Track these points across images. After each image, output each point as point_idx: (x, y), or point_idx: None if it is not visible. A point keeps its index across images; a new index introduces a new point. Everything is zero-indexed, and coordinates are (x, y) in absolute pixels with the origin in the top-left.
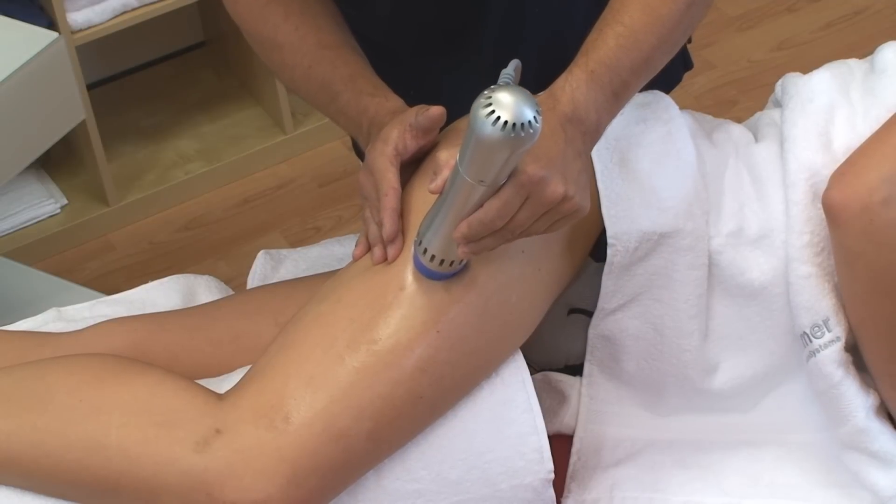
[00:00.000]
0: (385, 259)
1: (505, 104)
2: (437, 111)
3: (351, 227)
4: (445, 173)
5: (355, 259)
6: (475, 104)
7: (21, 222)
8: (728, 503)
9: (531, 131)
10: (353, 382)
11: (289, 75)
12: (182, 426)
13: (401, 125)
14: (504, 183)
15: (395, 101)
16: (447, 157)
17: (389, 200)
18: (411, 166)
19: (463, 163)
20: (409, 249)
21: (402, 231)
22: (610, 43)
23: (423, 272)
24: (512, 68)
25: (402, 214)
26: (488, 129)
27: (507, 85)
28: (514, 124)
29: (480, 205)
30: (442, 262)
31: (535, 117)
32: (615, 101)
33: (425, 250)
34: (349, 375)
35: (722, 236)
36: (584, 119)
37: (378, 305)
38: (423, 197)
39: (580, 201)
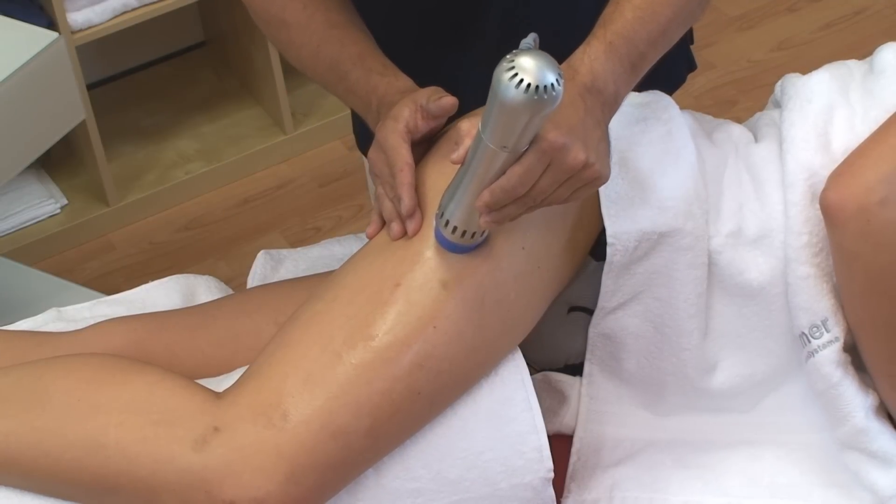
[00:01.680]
0: (404, 234)
1: (527, 67)
2: (449, 101)
3: (351, 227)
4: (467, 142)
5: (369, 237)
6: (497, 69)
7: (21, 222)
8: (728, 503)
9: (553, 94)
10: (350, 379)
11: (296, 54)
12: (180, 424)
13: (413, 104)
14: (526, 150)
15: (405, 81)
16: (469, 126)
17: (405, 175)
18: (419, 147)
19: (486, 129)
20: (405, 242)
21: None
22: (627, 15)
23: (445, 245)
24: (531, 39)
25: (426, 183)
26: (511, 92)
27: (528, 49)
28: (536, 87)
29: (502, 173)
30: (464, 233)
31: (557, 80)
32: (633, 72)
33: (447, 222)
34: (347, 372)
35: (721, 236)
36: (603, 90)
37: (374, 302)
38: (436, 175)
39: (601, 168)
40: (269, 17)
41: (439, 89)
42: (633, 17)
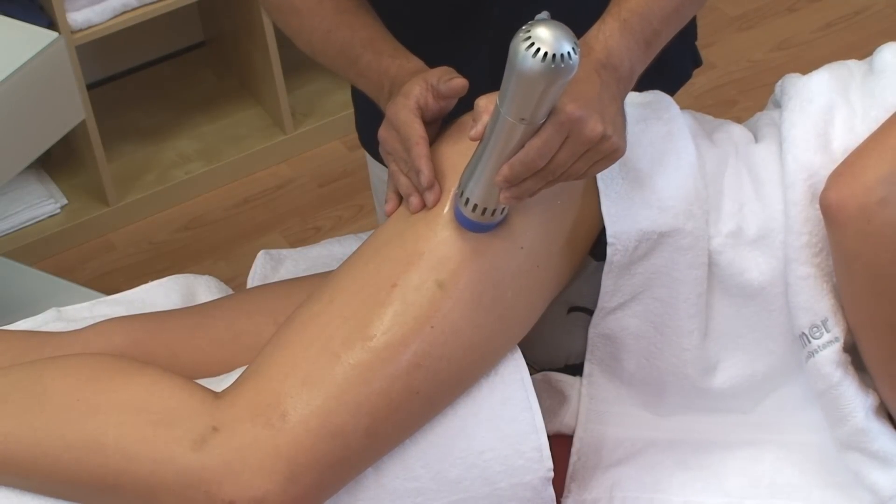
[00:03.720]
0: (423, 206)
1: (544, 37)
2: (460, 83)
3: (351, 227)
4: (485, 118)
5: (388, 215)
6: (514, 40)
7: (21, 222)
8: (728, 503)
9: (570, 62)
10: (348, 379)
11: (307, 40)
12: (179, 424)
13: (423, 82)
14: (543, 122)
15: (416, 62)
16: (486, 102)
17: (421, 148)
18: (429, 128)
19: (503, 102)
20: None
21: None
22: None
23: (466, 225)
24: (545, 14)
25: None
26: (529, 61)
27: (544, 20)
28: (553, 55)
29: (521, 147)
30: (484, 211)
31: (573, 48)
32: (647, 49)
33: (467, 200)
34: (345, 372)
35: (722, 236)
36: (619, 66)
37: (371, 303)
38: (454, 155)
39: (618, 141)
40: (279, 3)
41: (451, 70)
42: None
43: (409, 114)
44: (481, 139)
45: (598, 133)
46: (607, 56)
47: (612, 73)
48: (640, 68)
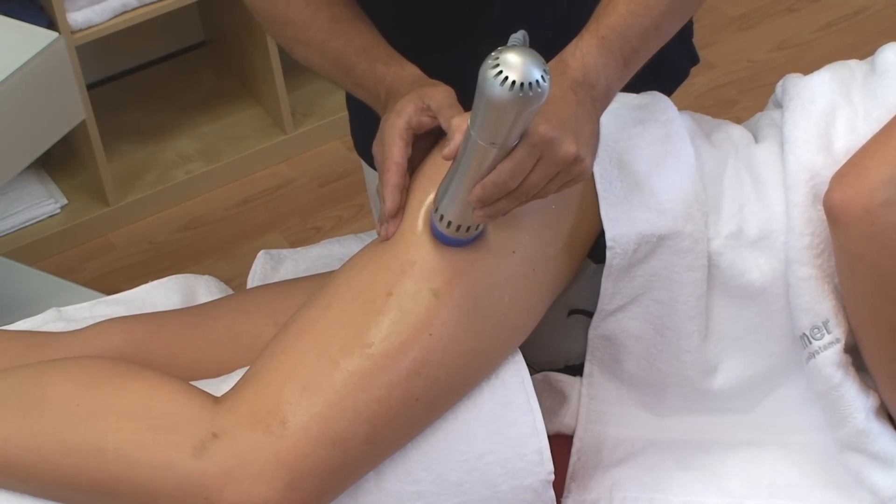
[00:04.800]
0: (388, 236)
1: (513, 64)
2: (456, 121)
3: (351, 227)
4: (458, 138)
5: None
6: (483, 66)
7: (21, 222)
8: (728, 503)
9: (539, 90)
10: (348, 386)
11: (303, 52)
12: (179, 430)
13: (418, 101)
14: (516, 144)
15: (412, 70)
16: (459, 122)
17: (391, 175)
18: (426, 139)
19: (474, 126)
20: (394, 250)
21: (402, 207)
22: (620, 9)
23: (443, 240)
24: (521, 35)
25: (412, 187)
26: (497, 89)
27: (514, 46)
28: (521, 83)
29: (494, 167)
30: (459, 227)
31: (542, 76)
32: (625, 66)
33: (441, 217)
34: (344, 379)
35: (722, 238)
36: (595, 84)
37: (368, 311)
38: (441, 169)
39: (590, 163)
40: (274, 15)
41: (449, 94)
42: (626, 10)
43: (395, 135)
44: (455, 158)
45: (572, 154)
46: (584, 74)
47: (588, 91)
48: (618, 86)
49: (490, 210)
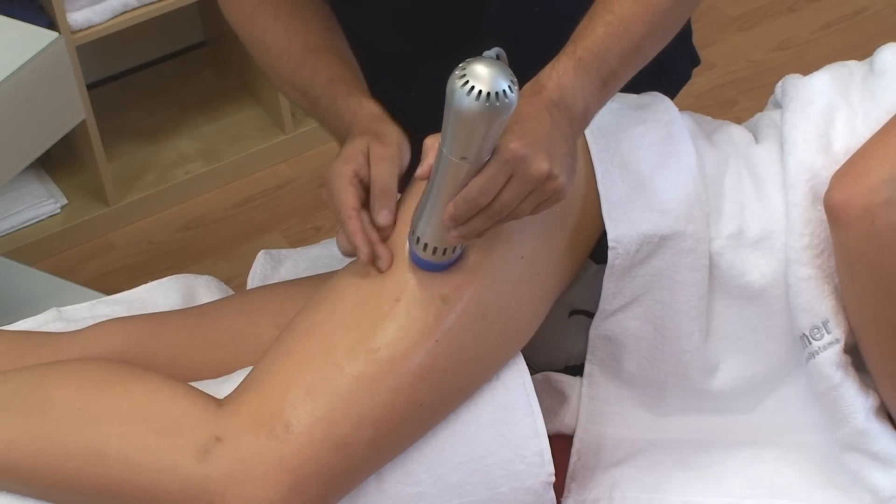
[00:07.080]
0: (381, 270)
1: (479, 75)
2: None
3: None
4: (431, 157)
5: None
6: (451, 77)
7: (21, 222)
8: (728, 503)
9: (507, 101)
10: (352, 390)
11: (277, 78)
12: (182, 434)
13: (367, 151)
14: (488, 160)
15: (371, 106)
16: (432, 141)
17: (354, 223)
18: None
19: (445, 141)
20: (402, 255)
21: (374, 245)
22: (598, 31)
23: (420, 264)
24: (494, 52)
25: (413, 193)
26: (465, 100)
27: (481, 58)
28: (488, 94)
29: (466, 185)
30: (435, 250)
31: (510, 87)
32: (603, 88)
33: (418, 239)
34: (348, 384)
35: (722, 238)
36: (571, 105)
37: (374, 316)
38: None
39: (564, 182)
40: (252, 39)
41: (401, 140)
42: (604, 32)
43: (345, 183)
44: (429, 178)
45: (545, 172)
46: (560, 95)
47: (564, 112)
48: (596, 108)
49: (464, 230)
